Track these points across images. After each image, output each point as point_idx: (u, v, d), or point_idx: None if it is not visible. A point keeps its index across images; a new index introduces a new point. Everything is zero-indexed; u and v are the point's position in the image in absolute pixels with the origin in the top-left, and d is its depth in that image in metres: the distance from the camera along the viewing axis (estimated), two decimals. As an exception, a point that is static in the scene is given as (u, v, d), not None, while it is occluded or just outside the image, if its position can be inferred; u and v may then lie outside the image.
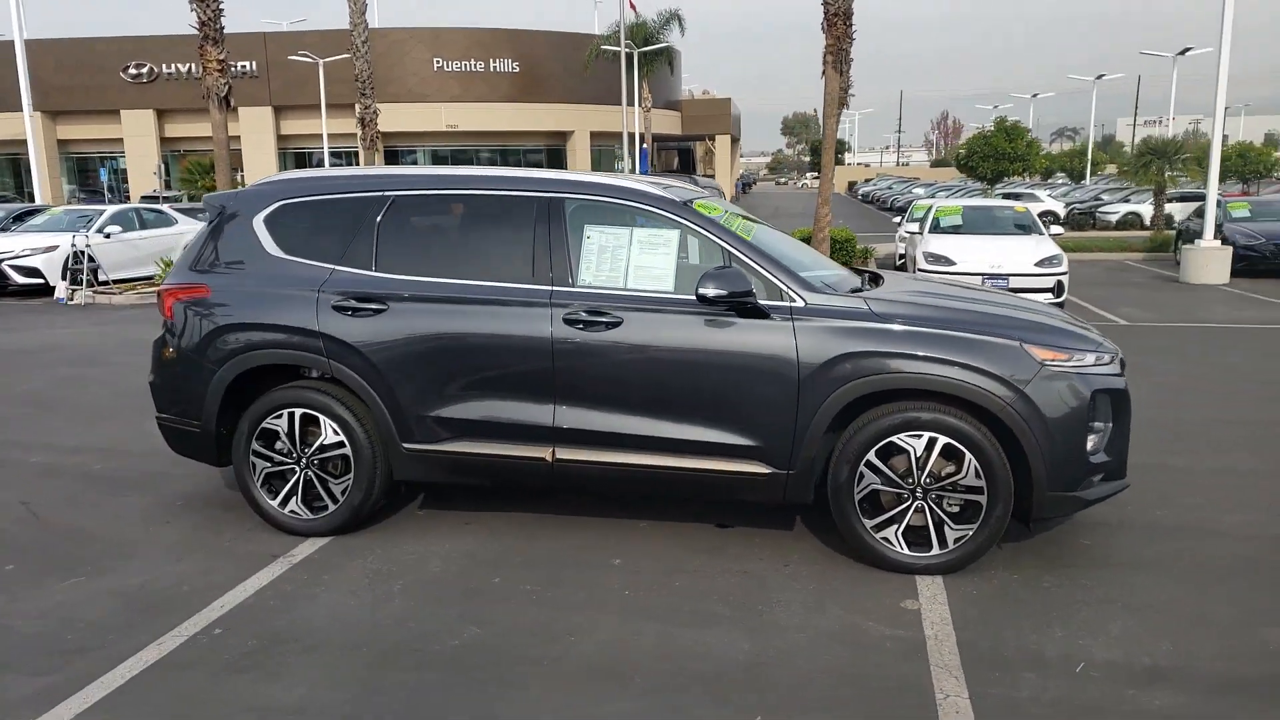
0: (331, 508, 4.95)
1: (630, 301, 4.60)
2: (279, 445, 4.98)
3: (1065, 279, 12.75)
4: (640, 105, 43.91)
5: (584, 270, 4.71)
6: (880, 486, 4.40)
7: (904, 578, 4.39)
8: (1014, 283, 12.24)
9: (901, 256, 16.98)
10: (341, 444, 4.88)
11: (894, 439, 4.35)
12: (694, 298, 4.54)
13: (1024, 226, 14.58)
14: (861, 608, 4.12)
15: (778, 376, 4.41)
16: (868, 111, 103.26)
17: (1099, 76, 50.82)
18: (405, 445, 4.83)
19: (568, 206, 4.79)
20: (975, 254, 13.02)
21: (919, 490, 4.37)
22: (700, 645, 3.81)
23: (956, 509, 4.37)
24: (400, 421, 4.81)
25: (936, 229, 14.61)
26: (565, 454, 4.68)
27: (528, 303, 4.67)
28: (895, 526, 4.42)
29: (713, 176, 64.35)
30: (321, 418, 4.88)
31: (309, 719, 3.35)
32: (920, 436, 4.32)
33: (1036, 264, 12.75)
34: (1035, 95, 62.04)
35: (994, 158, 33.62)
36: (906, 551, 4.42)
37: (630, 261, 4.69)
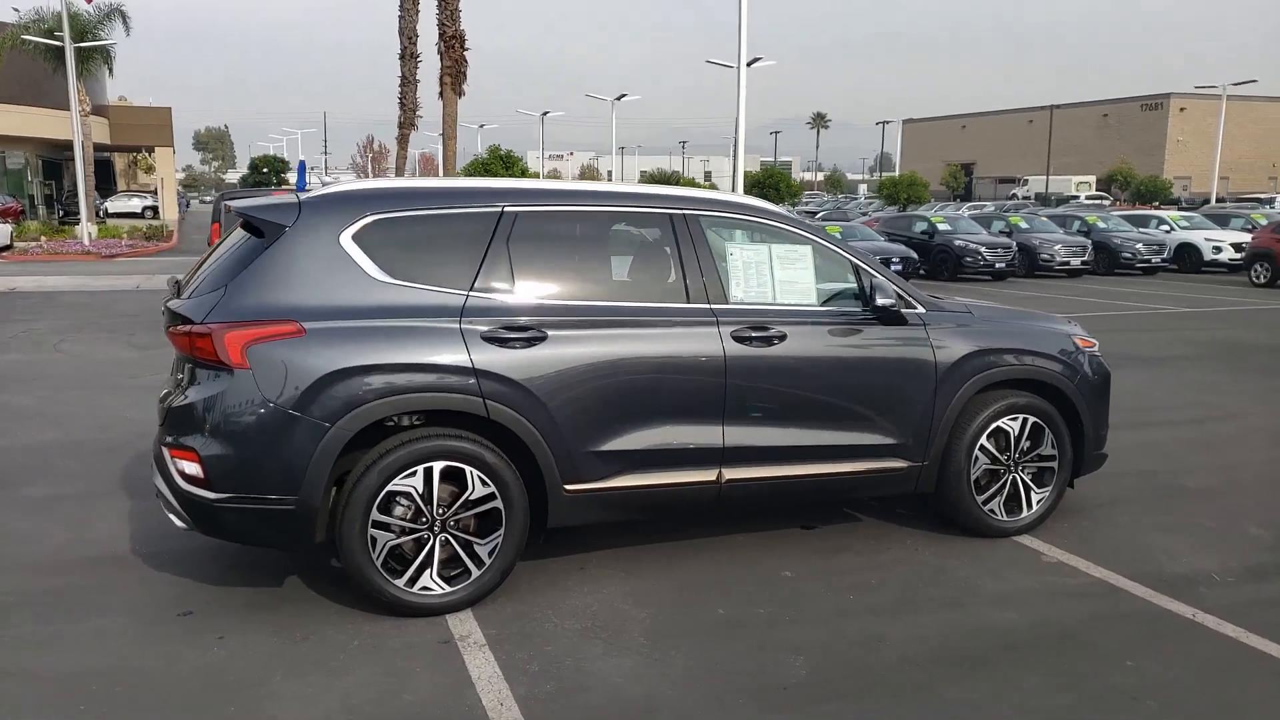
0: (475, 574, 4.23)
1: (789, 316, 4.71)
2: (399, 511, 4.11)
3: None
4: (79, 109, 37.83)
5: (734, 287, 4.70)
6: (988, 466, 5.12)
7: (1009, 541, 5.15)
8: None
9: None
10: (491, 496, 4.20)
11: (999, 423, 5.09)
12: (832, 309, 4.86)
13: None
14: (1028, 569, 4.79)
15: (920, 377, 4.89)
16: (310, 131, 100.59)
17: (544, 114, 56.08)
18: (567, 488, 4.34)
19: (704, 223, 4.71)
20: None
21: (1013, 464, 5.17)
22: (984, 624, 4.18)
23: (1030, 476, 5.26)
24: (564, 461, 4.30)
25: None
26: (733, 474, 4.62)
27: (695, 322, 4.53)
28: (998, 498, 5.16)
29: (154, 192, 57.80)
30: (466, 469, 4.15)
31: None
32: (1018, 419, 5.13)
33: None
34: (482, 126, 66.25)
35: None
36: (1005, 518, 5.19)
37: (775, 277, 4.78)
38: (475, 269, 4.27)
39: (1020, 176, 69.57)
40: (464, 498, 4.17)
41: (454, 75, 16.02)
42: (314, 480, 3.95)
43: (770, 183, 42.47)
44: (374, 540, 4.06)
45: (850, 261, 4.96)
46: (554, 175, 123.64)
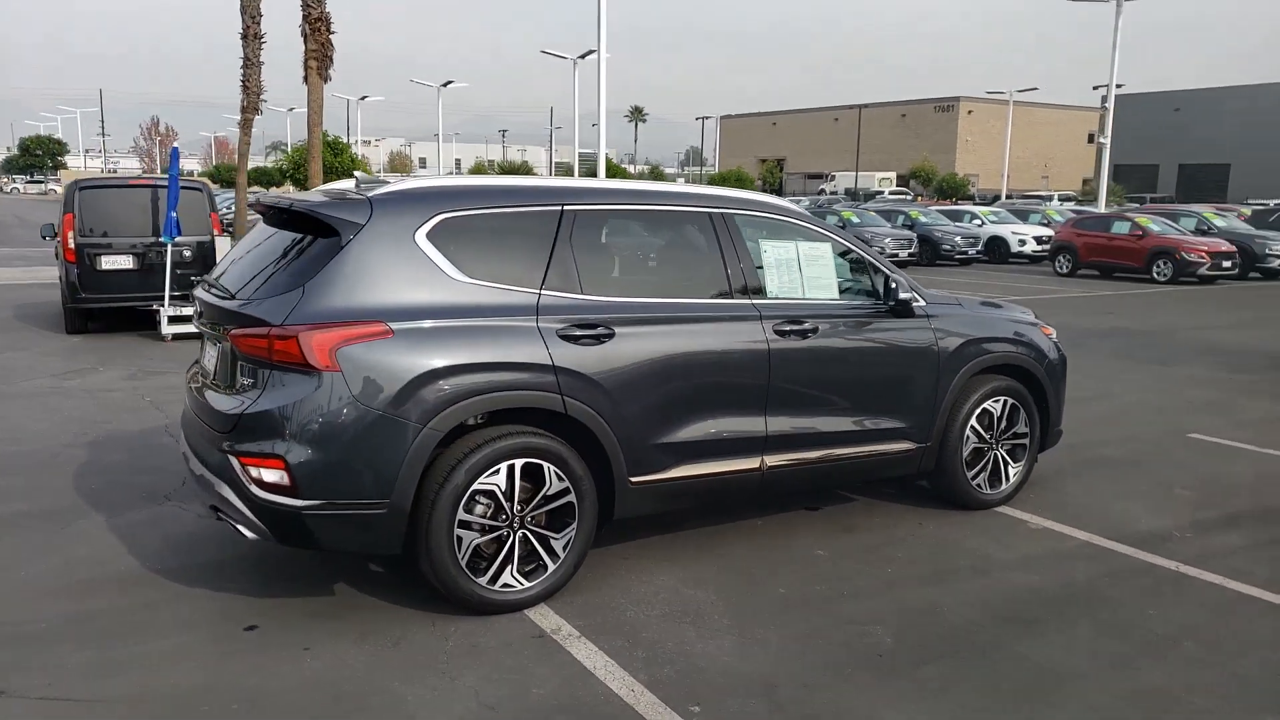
0: (551, 568, 4.29)
1: (819, 309, 5.00)
2: (479, 510, 4.12)
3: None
4: None
5: (770, 283, 4.93)
6: (976, 445, 5.60)
7: (992, 512, 5.66)
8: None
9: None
10: (565, 491, 4.27)
11: (984, 405, 5.58)
12: (851, 302, 5.20)
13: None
14: (1023, 536, 5.29)
15: (926, 365, 5.30)
16: (91, 110, 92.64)
17: (363, 98, 54.26)
18: (632, 480, 4.46)
19: (739, 221, 4.92)
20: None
21: (995, 442, 5.68)
22: (1016, 587, 4.62)
23: (1006, 451, 5.79)
24: (630, 454, 4.42)
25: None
26: (773, 460, 4.86)
27: (741, 316, 4.74)
28: (984, 473, 5.66)
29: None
30: (544, 465, 4.20)
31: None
32: (999, 401, 5.64)
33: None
34: (292, 109, 63.16)
35: (321, 170, 34.05)
36: (989, 491, 5.69)
37: (803, 273, 5.05)
38: (544, 267, 4.31)
39: (828, 172, 73.30)
40: (542, 493, 4.21)
41: (320, 59, 15.33)
42: (406, 482, 3.91)
43: (611, 175, 42.95)
44: (459, 540, 4.05)
45: (865, 258, 5.31)
46: (364, 162, 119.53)
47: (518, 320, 4.16)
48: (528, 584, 4.23)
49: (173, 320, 11.63)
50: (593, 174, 44.02)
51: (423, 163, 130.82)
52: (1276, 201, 40.50)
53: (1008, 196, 52.22)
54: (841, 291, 5.23)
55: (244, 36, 19.29)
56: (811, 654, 3.91)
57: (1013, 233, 28.42)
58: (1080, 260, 23.98)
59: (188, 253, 12.16)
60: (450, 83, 47.16)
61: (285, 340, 3.81)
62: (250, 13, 19.09)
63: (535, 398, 4.16)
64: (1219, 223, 25.22)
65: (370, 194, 4.18)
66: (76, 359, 10.26)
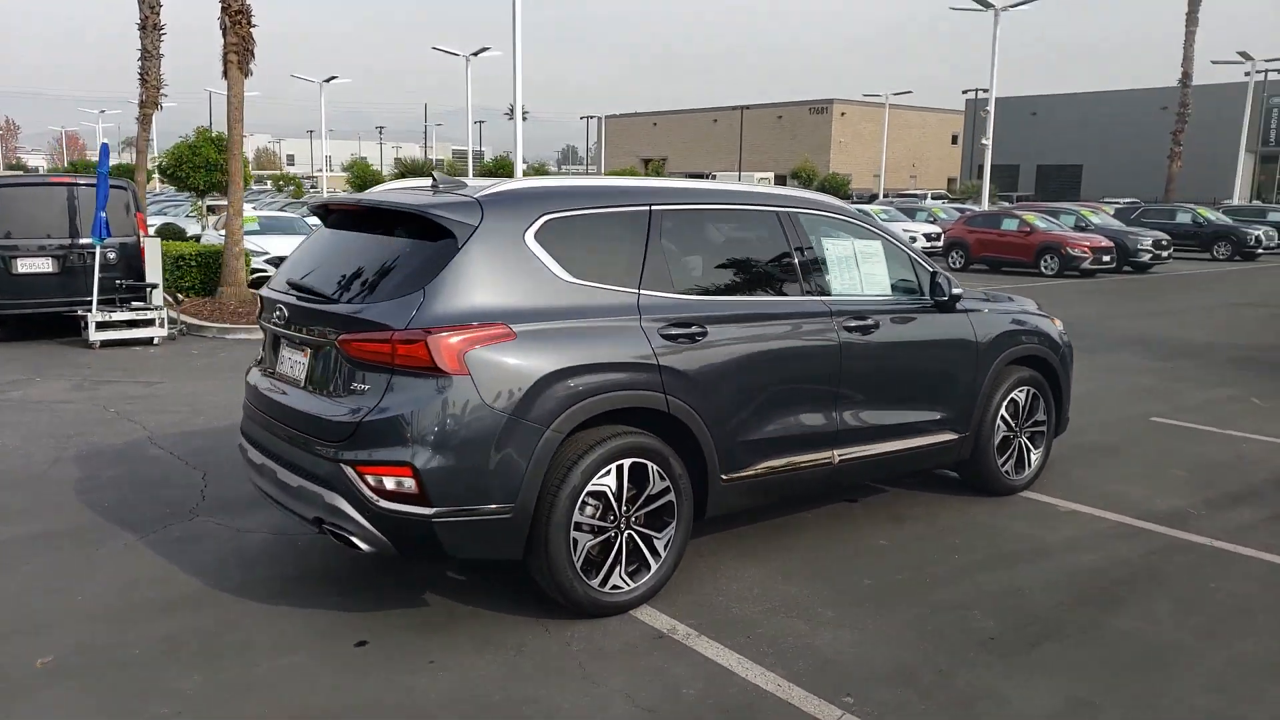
0: (654, 567, 4.28)
1: (876, 305, 5.12)
2: (589, 510, 4.08)
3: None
4: None
5: (834, 281, 5.02)
6: (1005, 433, 5.84)
7: (1020, 496, 5.91)
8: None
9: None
10: (666, 490, 4.27)
11: (1011, 394, 5.83)
12: (902, 298, 5.34)
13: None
14: (1060, 519, 5.54)
15: (967, 356, 5.50)
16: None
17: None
18: (724, 476, 4.48)
19: (803, 220, 4.99)
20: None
21: (1019, 430, 5.94)
22: (1079, 567, 4.84)
23: (1028, 438, 6.06)
24: (723, 451, 4.45)
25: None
26: (843, 453, 4.97)
27: (816, 313, 4.82)
28: (1011, 460, 5.91)
29: None
30: (648, 465, 4.19)
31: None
32: (1024, 390, 5.90)
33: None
34: (160, 107, 59.91)
35: (206, 168, 32.60)
36: (1015, 476, 5.95)
37: (860, 270, 5.16)
38: (640, 267, 4.29)
39: (709, 172, 74.34)
40: (646, 493, 4.20)
41: (240, 53, 14.55)
42: (531, 485, 3.84)
43: (505, 172, 42.53)
44: (575, 543, 3.99)
45: (909, 254, 5.46)
46: (245, 159, 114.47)
47: (623, 320, 4.13)
48: (634, 584, 4.21)
49: (101, 326, 10.95)
50: (494, 172, 43.47)
51: (290, 159, 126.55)
52: (1129, 200, 43.35)
53: (885, 196, 54.18)
54: (891, 288, 5.38)
55: (142, 27, 18.31)
56: (928, 641, 4.02)
57: (904, 230, 29.50)
58: (972, 255, 25.13)
59: (111, 255, 11.48)
60: (334, 78, 45.76)
61: (411, 344, 3.68)
62: (149, 2, 18.11)
63: (643, 397, 4.14)
64: (1094, 219, 26.86)
65: (477, 195, 4.07)
66: (4, 370, 9.54)
